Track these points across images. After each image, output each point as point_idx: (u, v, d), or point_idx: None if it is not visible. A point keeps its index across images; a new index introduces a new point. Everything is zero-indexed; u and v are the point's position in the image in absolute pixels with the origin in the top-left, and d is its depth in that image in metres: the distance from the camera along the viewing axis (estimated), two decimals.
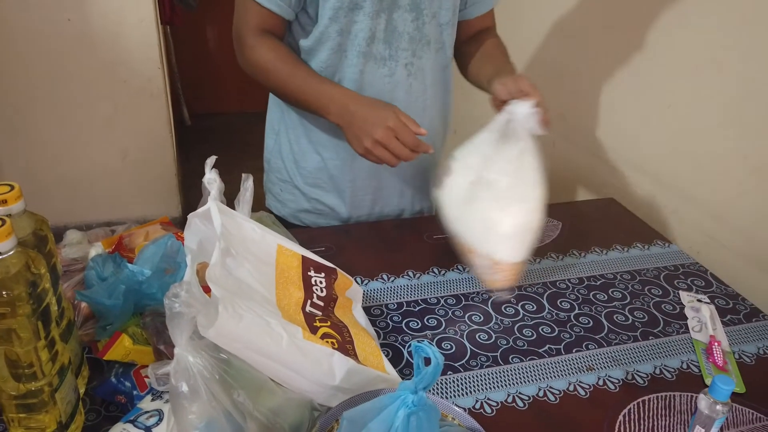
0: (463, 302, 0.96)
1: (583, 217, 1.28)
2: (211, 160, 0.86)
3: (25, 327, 0.57)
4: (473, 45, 1.15)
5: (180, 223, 2.54)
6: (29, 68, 2.07)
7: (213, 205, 0.75)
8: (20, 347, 0.58)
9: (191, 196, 2.56)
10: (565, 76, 1.83)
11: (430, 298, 0.96)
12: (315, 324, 0.72)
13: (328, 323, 0.74)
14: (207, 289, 0.62)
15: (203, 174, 0.85)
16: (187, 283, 0.57)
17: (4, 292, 0.55)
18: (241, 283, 0.69)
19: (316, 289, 0.78)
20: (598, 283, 1.03)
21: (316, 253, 0.86)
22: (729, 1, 1.17)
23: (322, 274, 0.81)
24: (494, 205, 0.89)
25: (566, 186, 1.86)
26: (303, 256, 0.81)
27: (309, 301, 0.76)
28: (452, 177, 0.94)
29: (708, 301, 1.00)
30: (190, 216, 0.76)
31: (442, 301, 0.96)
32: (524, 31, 2.04)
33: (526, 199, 0.89)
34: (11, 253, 0.55)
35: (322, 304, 0.77)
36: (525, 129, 0.89)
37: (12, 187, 0.61)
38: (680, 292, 1.02)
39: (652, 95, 1.42)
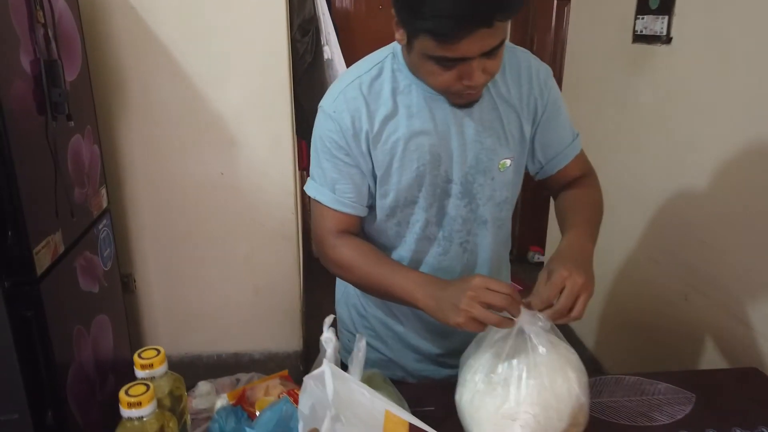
0: None
1: (721, 390, 1.16)
2: (329, 320, 0.92)
3: None
4: (561, 198, 1.16)
5: (301, 359, 2.59)
6: (185, 212, 2.38)
7: (327, 369, 0.79)
8: None
9: (312, 326, 2.67)
10: (692, 225, 1.76)
11: None
12: None
13: None
14: None
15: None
16: None
17: None
18: None
19: None
20: None
21: (424, 412, 0.88)
22: None
23: None
24: (502, 407, 0.88)
25: (699, 349, 1.71)
26: (410, 424, 0.82)
27: None
28: (465, 377, 0.94)
29: None
30: (306, 378, 0.81)
31: None
32: (650, 183, 2.03)
33: (539, 402, 0.86)
34: (150, 416, 0.62)
35: None
36: (538, 334, 0.88)
37: (158, 352, 0.69)
38: None
39: None
